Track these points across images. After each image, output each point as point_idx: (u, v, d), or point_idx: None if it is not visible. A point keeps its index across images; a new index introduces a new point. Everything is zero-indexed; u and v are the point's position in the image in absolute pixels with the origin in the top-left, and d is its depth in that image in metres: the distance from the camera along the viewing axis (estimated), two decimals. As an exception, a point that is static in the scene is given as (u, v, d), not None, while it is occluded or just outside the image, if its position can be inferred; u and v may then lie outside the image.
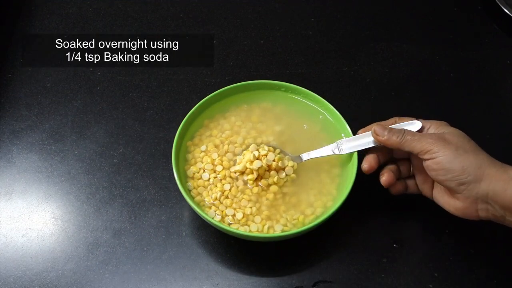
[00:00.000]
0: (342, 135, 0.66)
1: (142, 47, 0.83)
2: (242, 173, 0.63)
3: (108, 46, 0.83)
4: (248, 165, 0.63)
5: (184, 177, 0.64)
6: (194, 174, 0.64)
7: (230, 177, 0.64)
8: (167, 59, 0.81)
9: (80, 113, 0.75)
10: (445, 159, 0.56)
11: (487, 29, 0.84)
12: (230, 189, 0.63)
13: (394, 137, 0.60)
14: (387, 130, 0.60)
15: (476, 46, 0.83)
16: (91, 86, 0.78)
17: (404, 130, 0.60)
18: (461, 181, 0.55)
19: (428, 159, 0.57)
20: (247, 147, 0.66)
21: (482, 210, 0.57)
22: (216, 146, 0.66)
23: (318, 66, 0.81)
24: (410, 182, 0.64)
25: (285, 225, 0.61)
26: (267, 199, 0.63)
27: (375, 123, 0.63)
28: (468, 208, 0.57)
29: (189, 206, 0.61)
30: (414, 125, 0.62)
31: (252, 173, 0.63)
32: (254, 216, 0.62)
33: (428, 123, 0.62)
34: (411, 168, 0.64)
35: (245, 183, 0.63)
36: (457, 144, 0.57)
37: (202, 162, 0.65)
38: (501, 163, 0.56)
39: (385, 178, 0.62)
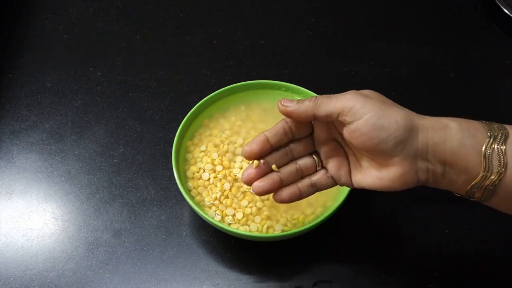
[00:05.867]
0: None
1: (142, 47, 0.83)
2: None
3: (108, 46, 0.83)
4: None
5: (184, 177, 0.64)
6: (194, 174, 0.64)
7: (230, 176, 0.64)
8: (167, 59, 0.81)
9: (80, 113, 0.76)
10: (374, 115, 0.47)
11: (487, 29, 0.84)
12: (230, 189, 0.63)
13: (306, 101, 0.50)
14: (295, 101, 0.51)
15: (476, 46, 0.83)
16: (91, 86, 0.78)
17: (316, 96, 0.50)
18: (398, 139, 0.47)
19: (353, 121, 0.48)
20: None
21: (421, 171, 0.48)
22: (216, 146, 0.66)
23: (318, 66, 0.81)
24: (317, 179, 0.53)
25: (285, 225, 0.61)
26: (267, 199, 0.63)
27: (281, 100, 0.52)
28: (408, 173, 0.48)
29: (189, 206, 0.61)
30: None
31: None
32: (254, 216, 0.62)
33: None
34: (317, 162, 0.54)
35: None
36: (379, 98, 0.49)
37: (202, 162, 0.65)
38: (426, 116, 0.49)
39: (246, 175, 0.52)
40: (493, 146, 0.47)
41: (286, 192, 0.53)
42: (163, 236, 0.65)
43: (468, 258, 0.63)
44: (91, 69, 0.80)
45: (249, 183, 0.52)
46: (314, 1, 0.88)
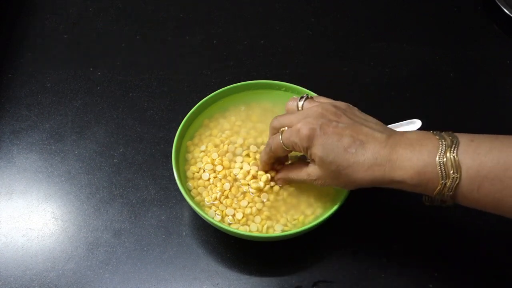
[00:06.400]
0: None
1: (142, 47, 0.83)
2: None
3: (108, 46, 0.83)
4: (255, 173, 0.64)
5: (184, 177, 0.64)
6: (194, 174, 0.64)
7: (230, 176, 0.64)
8: (167, 59, 0.81)
9: (80, 113, 0.75)
10: (328, 183, 0.56)
11: (487, 29, 0.84)
12: (230, 189, 0.63)
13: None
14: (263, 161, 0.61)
15: (476, 46, 0.83)
16: (91, 86, 0.78)
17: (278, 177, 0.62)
18: (355, 188, 0.55)
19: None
20: (248, 147, 0.66)
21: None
22: (216, 146, 0.66)
23: (318, 66, 0.81)
24: None
25: (285, 225, 0.61)
26: (268, 199, 0.63)
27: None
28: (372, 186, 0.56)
29: (189, 206, 0.61)
30: (414, 124, 0.62)
31: (258, 182, 0.63)
32: (254, 216, 0.62)
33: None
34: None
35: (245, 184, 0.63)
36: (329, 166, 0.54)
37: (202, 162, 0.65)
38: (385, 139, 0.53)
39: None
40: (443, 192, 0.50)
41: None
42: (163, 236, 0.65)
43: (468, 258, 0.63)
44: (91, 69, 0.80)
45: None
46: (314, 1, 0.88)
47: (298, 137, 0.55)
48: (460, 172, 0.48)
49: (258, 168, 0.63)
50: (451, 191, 0.49)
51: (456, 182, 0.48)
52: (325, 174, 0.55)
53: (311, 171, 0.57)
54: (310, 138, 0.54)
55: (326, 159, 0.53)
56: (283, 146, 0.57)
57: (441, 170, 0.49)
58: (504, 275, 0.62)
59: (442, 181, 0.49)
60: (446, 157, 0.49)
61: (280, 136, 0.57)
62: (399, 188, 0.52)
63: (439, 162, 0.49)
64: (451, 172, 0.48)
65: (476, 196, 0.48)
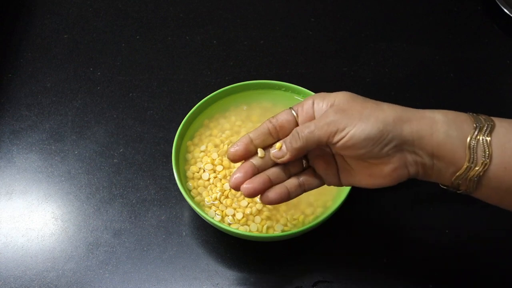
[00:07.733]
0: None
1: (142, 47, 0.83)
2: None
3: (108, 46, 0.83)
4: None
5: (184, 177, 0.64)
6: (194, 174, 0.64)
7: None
8: (167, 59, 0.81)
9: (80, 113, 0.76)
10: (357, 130, 0.47)
11: (487, 29, 0.84)
12: (230, 189, 0.63)
13: (295, 144, 0.50)
14: (284, 146, 0.51)
15: (476, 46, 0.83)
16: (91, 86, 0.78)
17: (295, 130, 0.50)
18: (384, 143, 0.47)
19: (339, 141, 0.48)
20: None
21: (411, 164, 0.49)
22: (216, 146, 0.66)
23: (318, 66, 0.81)
24: (305, 179, 0.53)
25: (285, 225, 0.61)
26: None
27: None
28: (398, 168, 0.49)
29: (189, 206, 0.61)
30: None
31: None
32: (254, 216, 0.62)
33: (308, 102, 0.52)
34: (304, 162, 0.53)
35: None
36: (357, 108, 0.48)
37: (202, 162, 0.65)
38: (411, 109, 0.49)
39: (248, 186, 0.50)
40: (478, 137, 0.47)
41: (273, 193, 0.51)
42: (163, 236, 0.65)
43: (469, 258, 0.63)
44: (91, 69, 0.80)
45: (238, 187, 0.51)
46: (314, 1, 0.88)
47: (324, 93, 0.52)
48: (493, 120, 0.48)
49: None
50: (487, 135, 0.47)
51: (490, 126, 0.48)
52: (345, 113, 0.48)
53: (326, 114, 0.49)
54: (335, 93, 0.52)
55: (352, 98, 0.50)
56: (301, 133, 0.50)
57: (474, 116, 0.49)
58: (504, 276, 0.62)
59: (476, 124, 0.48)
60: (481, 116, 0.49)
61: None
62: (426, 143, 0.48)
63: (471, 114, 0.49)
64: (483, 120, 0.48)
65: None
